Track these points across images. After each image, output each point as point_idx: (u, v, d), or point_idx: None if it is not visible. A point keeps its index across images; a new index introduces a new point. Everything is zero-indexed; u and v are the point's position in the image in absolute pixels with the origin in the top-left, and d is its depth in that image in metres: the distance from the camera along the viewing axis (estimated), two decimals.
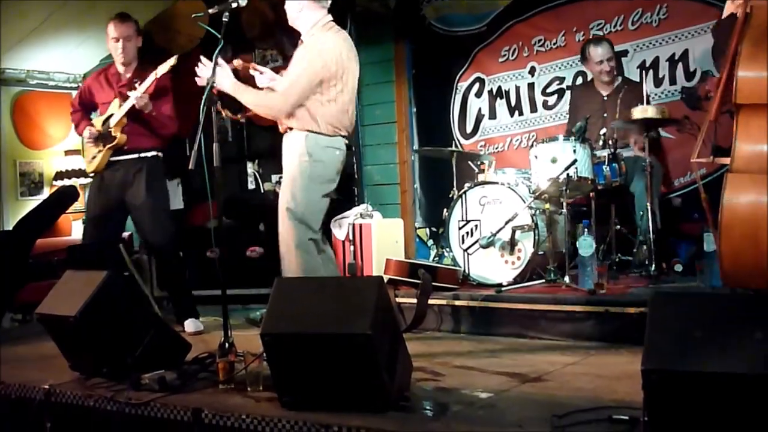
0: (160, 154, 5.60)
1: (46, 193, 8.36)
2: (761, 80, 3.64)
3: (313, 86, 4.50)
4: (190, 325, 5.40)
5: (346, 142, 4.71)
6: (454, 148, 6.19)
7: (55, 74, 8.45)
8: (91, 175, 5.66)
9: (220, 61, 4.45)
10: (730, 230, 3.60)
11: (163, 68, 5.19)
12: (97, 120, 5.59)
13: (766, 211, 3.51)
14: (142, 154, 5.50)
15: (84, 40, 7.93)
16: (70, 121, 5.90)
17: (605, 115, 5.80)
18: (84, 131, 5.57)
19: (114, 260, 5.61)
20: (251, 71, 4.96)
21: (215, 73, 4.25)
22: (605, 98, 5.88)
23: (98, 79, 5.65)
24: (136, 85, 5.37)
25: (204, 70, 4.42)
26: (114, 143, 5.39)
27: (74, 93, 6.92)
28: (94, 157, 5.52)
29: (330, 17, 4.67)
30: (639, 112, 5.12)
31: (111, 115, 5.46)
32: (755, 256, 3.53)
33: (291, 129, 4.63)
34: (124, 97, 5.40)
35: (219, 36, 4.11)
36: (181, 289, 5.66)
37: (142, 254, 6.83)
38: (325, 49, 4.53)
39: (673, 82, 6.02)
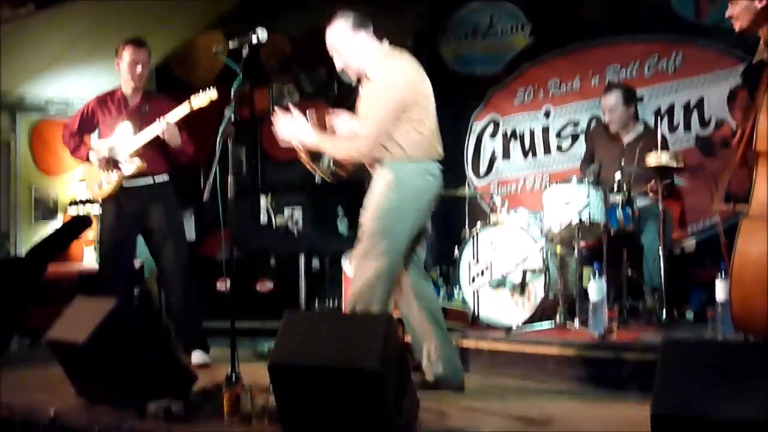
0: (168, 177, 5.56)
1: (60, 219, 8.39)
2: None
3: (392, 119, 4.14)
4: (196, 356, 5.34)
5: (440, 167, 4.32)
6: (469, 191, 6.17)
7: (75, 102, 8.52)
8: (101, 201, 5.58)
9: (296, 111, 4.28)
10: (742, 275, 3.59)
11: (200, 101, 5.11)
12: (99, 143, 5.52)
13: None
14: (157, 179, 5.48)
15: (104, 69, 7.97)
16: (64, 143, 5.69)
17: (623, 161, 5.77)
18: (90, 156, 5.48)
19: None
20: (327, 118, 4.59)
21: (302, 131, 4.18)
22: (625, 145, 5.84)
23: (104, 102, 5.58)
24: (145, 110, 5.40)
25: (284, 125, 4.25)
26: (134, 170, 5.36)
27: None
28: (104, 183, 5.45)
29: (386, 42, 4.37)
30: (653, 159, 5.12)
31: (121, 141, 5.40)
32: (765, 302, 3.52)
33: (379, 164, 4.22)
34: (138, 124, 5.39)
35: (238, 70, 4.13)
36: (191, 319, 5.58)
37: (151, 283, 6.84)
38: (395, 78, 4.21)
39: (687, 129, 6.03)
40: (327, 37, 4.28)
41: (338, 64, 4.33)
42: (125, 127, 5.44)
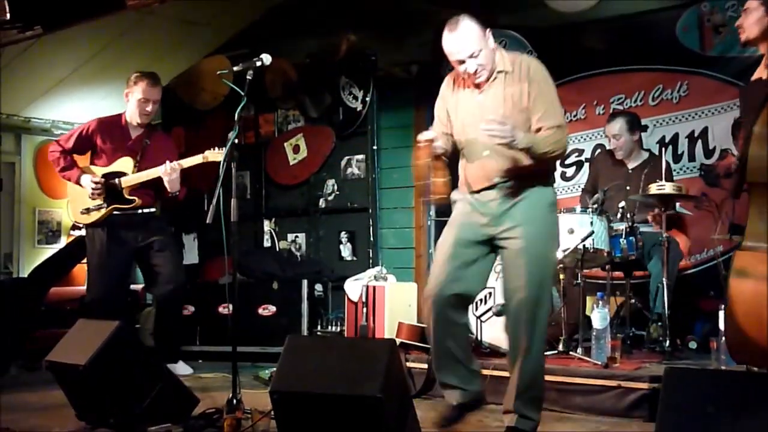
0: (154, 209, 5.65)
1: (63, 242, 8.40)
2: None
3: None
4: (180, 367, 5.48)
5: None
6: None
7: (79, 125, 8.54)
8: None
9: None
10: (734, 307, 3.57)
11: (215, 156, 5.13)
12: (95, 169, 5.56)
13: None
14: (145, 210, 5.56)
15: (109, 93, 8.03)
16: (52, 160, 5.63)
17: (628, 187, 5.73)
18: (83, 179, 5.49)
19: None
20: None
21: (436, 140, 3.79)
22: (630, 171, 5.82)
23: (108, 126, 5.63)
24: (146, 144, 5.50)
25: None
26: (131, 204, 5.45)
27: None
28: (90, 209, 5.49)
29: None
30: (655, 188, 5.12)
31: (119, 173, 5.47)
32: (758, 334, 3.50)
33: (523, 184, 3.77)
34: (137, 156, 5.49)
35: (243, 93, 4.15)
36: (173, 339, 5.72)
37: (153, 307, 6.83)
38: (549, 76, 3.80)
39: (692, 158, 6.02)
40: (455, 40, 3.69)
41: (471, 68, 3.70)
42: (126, 161, 5.49)
